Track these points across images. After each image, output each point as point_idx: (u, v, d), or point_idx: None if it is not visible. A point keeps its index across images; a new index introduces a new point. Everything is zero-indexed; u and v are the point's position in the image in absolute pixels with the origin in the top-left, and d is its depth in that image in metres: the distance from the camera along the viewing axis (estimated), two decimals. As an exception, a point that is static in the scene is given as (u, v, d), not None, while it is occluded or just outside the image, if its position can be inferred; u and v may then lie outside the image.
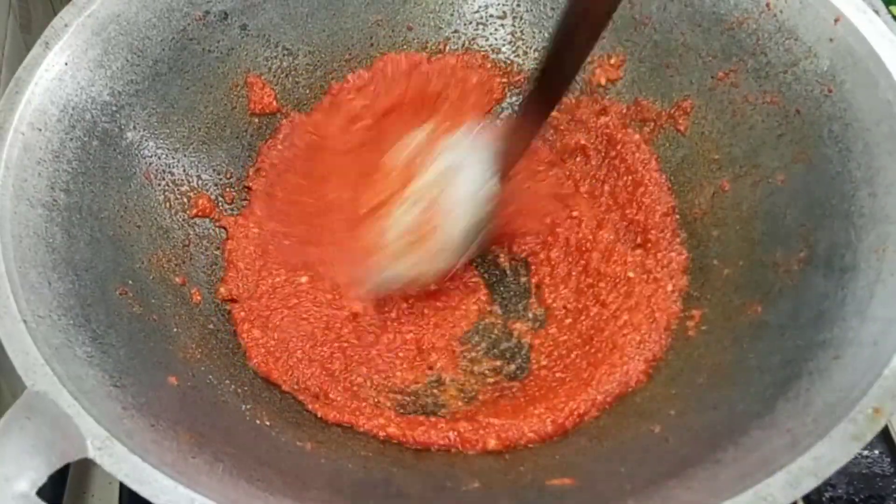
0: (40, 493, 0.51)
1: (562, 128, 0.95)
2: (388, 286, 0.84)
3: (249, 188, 0.90)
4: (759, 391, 0.65)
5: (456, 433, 0.74)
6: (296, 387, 0.79)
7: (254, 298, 0.83)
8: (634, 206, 0.88)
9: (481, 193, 0.80)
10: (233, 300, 0.83)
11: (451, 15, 0.97)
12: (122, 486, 0.55)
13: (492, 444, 0.74)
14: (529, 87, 0.75)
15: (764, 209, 0.78)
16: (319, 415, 0.76)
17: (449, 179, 0.81)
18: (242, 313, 0.82)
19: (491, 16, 0.96)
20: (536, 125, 0.78)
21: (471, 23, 0.97)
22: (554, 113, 0.90)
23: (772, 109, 0.79)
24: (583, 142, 0.93)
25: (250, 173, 0.91)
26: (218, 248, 0.86)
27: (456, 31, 0.97)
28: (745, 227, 0.79)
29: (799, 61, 0.77)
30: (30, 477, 0.50)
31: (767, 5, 0.79)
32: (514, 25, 0.96)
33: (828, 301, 0.66)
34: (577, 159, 0.94)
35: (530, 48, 0.97)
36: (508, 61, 0.97)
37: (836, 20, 0.74)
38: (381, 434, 0.75)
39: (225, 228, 0.87)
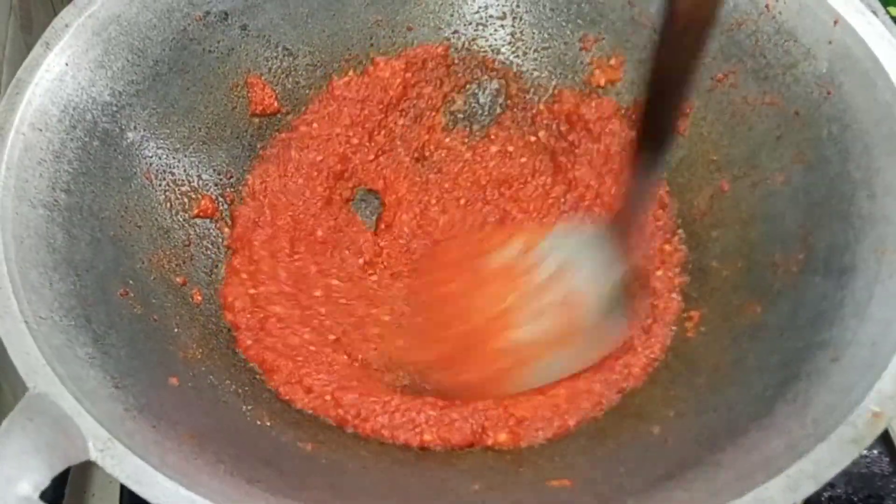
0: (41, 494, 0.51)
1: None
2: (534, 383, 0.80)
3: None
4: (758, 392, 0.65)
5: (482, 425, 0.75)
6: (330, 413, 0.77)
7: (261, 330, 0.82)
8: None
9: (608, 280, 0.77)
10: (237, 327, 0.82)
11: (451, 15, 0.96)
12: (123, 487, 0.55)
13: (502, 437, 0.74)
14: (636, 143, 0.69)
15: (763, 210, 0.78)
16: (358, 432, 0.76)
17: (569, 274, 0.78)
18: (249, 341, 0.81)
19: (491, 16, 0.96)
20: (650, 181, 0.73)
21: (471, 23, 0.97)
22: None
23: (771, 111, 0.79)
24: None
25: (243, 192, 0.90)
26: (219, 249, 0.86)
27: (456, 32, 0.97)
28: (744, 228, 0.79)
29: (798, 63, 0.77)
30: (32, 479, 0.50)
31: (766, 7, 0.79)
32: (513, 26, 0.96)
33: (826, 302, 0.67)
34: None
35: (530, 49, 0.97)
36: (508, 62, 0.97)
37: (835, 22, 0.74)
38: (416, 443, 0.75)
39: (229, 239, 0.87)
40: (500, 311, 0.80)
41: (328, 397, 0.77)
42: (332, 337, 0.83)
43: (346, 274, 0.88)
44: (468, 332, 0.82)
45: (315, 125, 0.93)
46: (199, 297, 0.81)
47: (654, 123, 0.67)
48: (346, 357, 0.82)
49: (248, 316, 0.82)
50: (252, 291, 0.84)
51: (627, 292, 0.77)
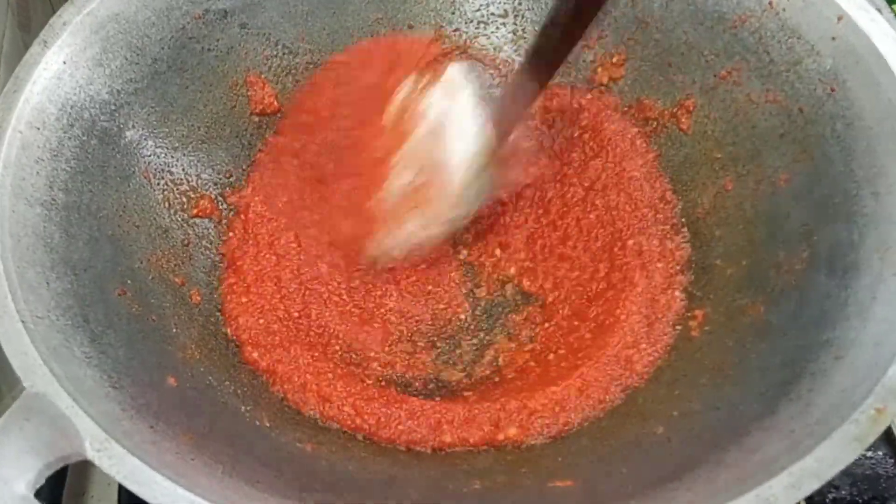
0: (39, 494, 0.51)
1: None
2: (393, 254, 0.85)
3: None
4: (761, 392, 0.65)
5: (498, 416, 0.75)
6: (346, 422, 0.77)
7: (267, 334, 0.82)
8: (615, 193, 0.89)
9: (475, 144, 0.80)
10: (241, 341, 0.81)
11: (453, 13, 0.96)
12: (121, 488, 0.55)
13: (512, 431, 0.74)
14: (531, 47, 0.75)
15: (766, 209, 0.78)
16: (373, 440, 0.76)
17: (439, 135, 0.80)
18: (255, 353, 0.80)
19: (492, 14, 0.96)
20: (537, 87, 0.77)
21: (472, 21, 0.96)
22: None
23: (774, 108, 0.79)
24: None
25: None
26: (218, 249, 0.86)
27: (457, 30, 0.96)
28: (748, 226, 0.79)
29: (802, 60, 0.76)
30: (28, 478, 0.50)
31: (770, 4, 0.78)
32: (515, 24, 0.96)
33: (830, 301, 0.66)
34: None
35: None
36: (510, 59, 0.97)
37: (839, 19, 0.74)
38: (434, 445, 0.75)
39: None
40: (382, 160, 0.82)
41: (348, 408, 0.76)
42: (336, 353, 0.83)
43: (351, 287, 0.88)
44: (358, 184, 0.84)
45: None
46: (198, 298, 0.80)
47: (549, 61, 0.73)
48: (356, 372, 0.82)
49: (254, 332, 0.81)
50: (257, 306, 0.83)
51: (494, 163, 0.81)
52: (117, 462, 0.54)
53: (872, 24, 0.72)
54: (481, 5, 0.96)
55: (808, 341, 0.65)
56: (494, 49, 0.97)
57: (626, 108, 0.92)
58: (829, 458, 0.53)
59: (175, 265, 0.80)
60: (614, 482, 0.64)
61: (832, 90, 0.73)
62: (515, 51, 0.97)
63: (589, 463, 0.70)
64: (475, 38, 0.97)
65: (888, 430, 0.79)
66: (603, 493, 0.64)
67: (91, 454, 0.54)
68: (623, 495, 0.60)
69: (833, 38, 0.74)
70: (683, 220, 0.86)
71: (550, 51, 0.73)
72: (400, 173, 0.81)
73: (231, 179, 0.89)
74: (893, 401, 0.56)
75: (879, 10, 0.73)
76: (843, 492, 0.78)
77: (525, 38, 0.96)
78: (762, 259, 0.76)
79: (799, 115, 0.76)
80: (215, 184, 0.87)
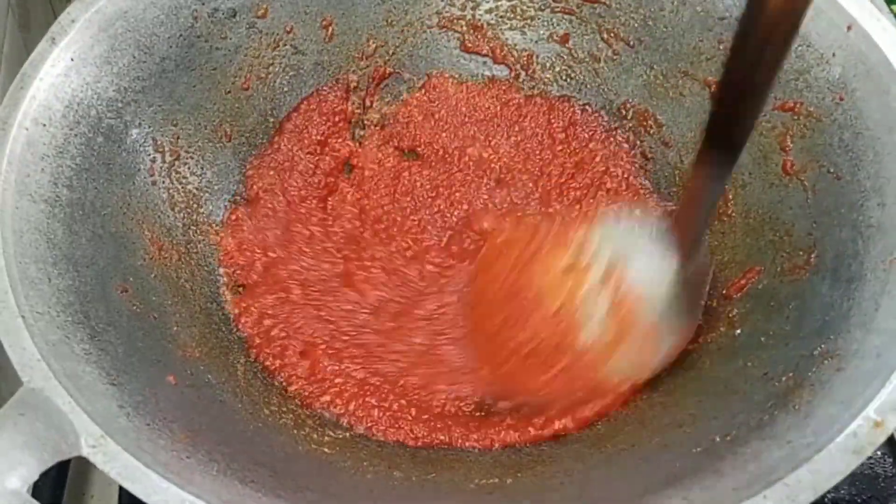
0: (39, 495, 0.51)
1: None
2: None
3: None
4: (760, 401, 0.64)
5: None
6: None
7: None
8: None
9: (664, 275, 0.74)
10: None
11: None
12: (122, 488, 0.55)
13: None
14: (703, 139, 0.64)
15: (772, 217, 0.77)
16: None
17: (622, 270, 0.75)
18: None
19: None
20: (719, 183, 0.68)
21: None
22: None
23: (782, 116, 0.78)
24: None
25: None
26: (219, 248, 0.86)
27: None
28: (753, 234, 0.79)
29: (811, 68, 0.76)
30: (21, 473, 0.50)
31: (780, 11, 0.78)
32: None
33: (833, 311, 0.66)
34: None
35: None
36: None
37: (849, 28, 0.73)
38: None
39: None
40: (555, 311, 0.77)
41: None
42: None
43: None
44: (527, 338, 0.79)
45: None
46: (200, 296, 0.80)
47: (729, 126, 0.62)
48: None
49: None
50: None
51: (685, 292, 0.74)
52: (112, 459, 0.54)
53: (883, 33, 0.72)
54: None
55: (809, 351, 0.65)
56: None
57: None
58: (825, 470, 0.53)
59: (177, 264, 0.80)
60: (610, 488, 0.64)
61: (841, 99, 0.73)
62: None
63: (586, 469, 0.69)
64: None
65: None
66: (598, 498, 0.64)
67: (86, 451, 0.55)
68: (618, 502, 0.60)
69: (842, 47, 0.73)
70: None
71: (737, 114, 0.60)
72: (590, 310, 0.75)
73: (237, 177, 0.89)
74: (892, 414, 0.55)
75: (879, 11, 0.73)
76: (843, 491, 0.78)
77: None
78: (766, 268, 0.76)
79: (807, 123, 0.76)
80: (220, 183, 0.88)
